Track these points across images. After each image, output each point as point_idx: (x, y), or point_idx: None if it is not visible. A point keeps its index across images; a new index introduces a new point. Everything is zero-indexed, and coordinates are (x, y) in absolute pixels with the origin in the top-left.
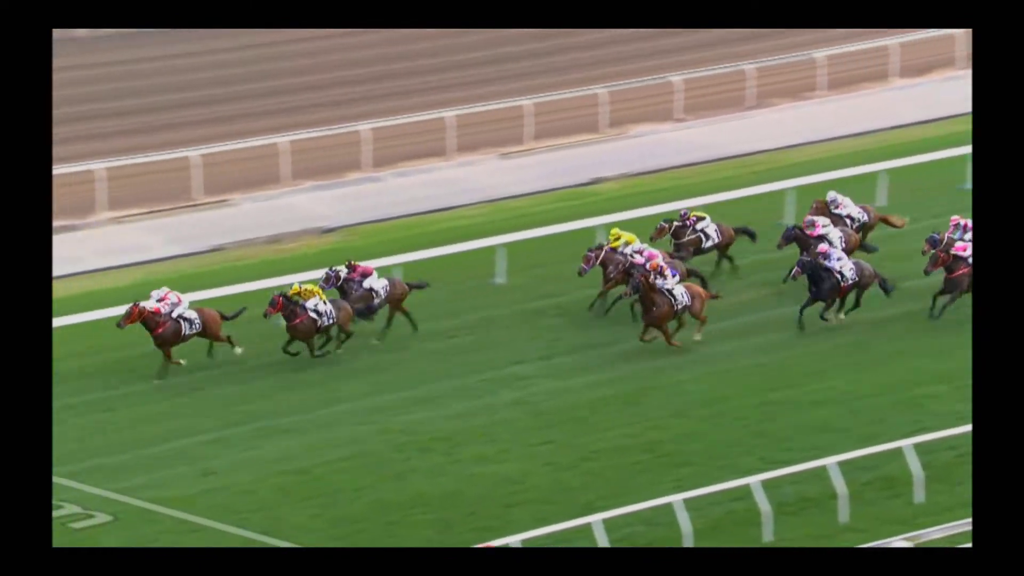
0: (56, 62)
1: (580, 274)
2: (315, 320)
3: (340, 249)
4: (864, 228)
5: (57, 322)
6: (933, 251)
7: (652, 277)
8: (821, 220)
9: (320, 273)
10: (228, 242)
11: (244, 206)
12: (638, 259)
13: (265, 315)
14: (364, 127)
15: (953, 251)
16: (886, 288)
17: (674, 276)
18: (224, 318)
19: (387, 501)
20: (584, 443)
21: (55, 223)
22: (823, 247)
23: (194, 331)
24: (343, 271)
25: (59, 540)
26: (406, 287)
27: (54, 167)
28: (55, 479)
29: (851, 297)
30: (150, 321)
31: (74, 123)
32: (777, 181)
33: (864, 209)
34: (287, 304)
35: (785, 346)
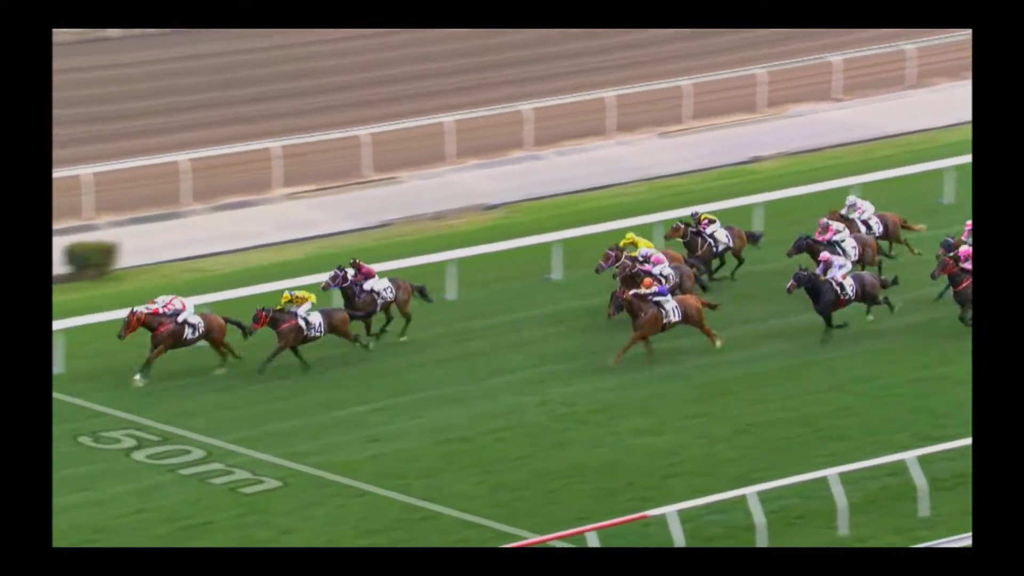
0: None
1: (597, 271)
2: (301, 328)
3: (502, 225)
4: (885, 236)
5: (236, 293)
6: (942, 257)
7: (636, 266)
8: (836, 225)
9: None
10: (395, 218)
11: (411, 183)
12: (646, 267)
13: (251, 331)
14: (526, 107)
15: (962, 263)
16: (886, 283)
17: (663, 294)
18: (226, 321)
19: (547, 470)
20: (739, 416)
21: (231, 199)
22: (824, 255)
23: (198, 335)
24: (351, 271)
25: (229, 503)
26: (410, 288)
27: (228, 146)
28: (227, 444)
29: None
30: (151, 322)
31: (240, 105)
32: (935, 160)
33: (881, 218)
34: (269, 315)
35: (935, 326)
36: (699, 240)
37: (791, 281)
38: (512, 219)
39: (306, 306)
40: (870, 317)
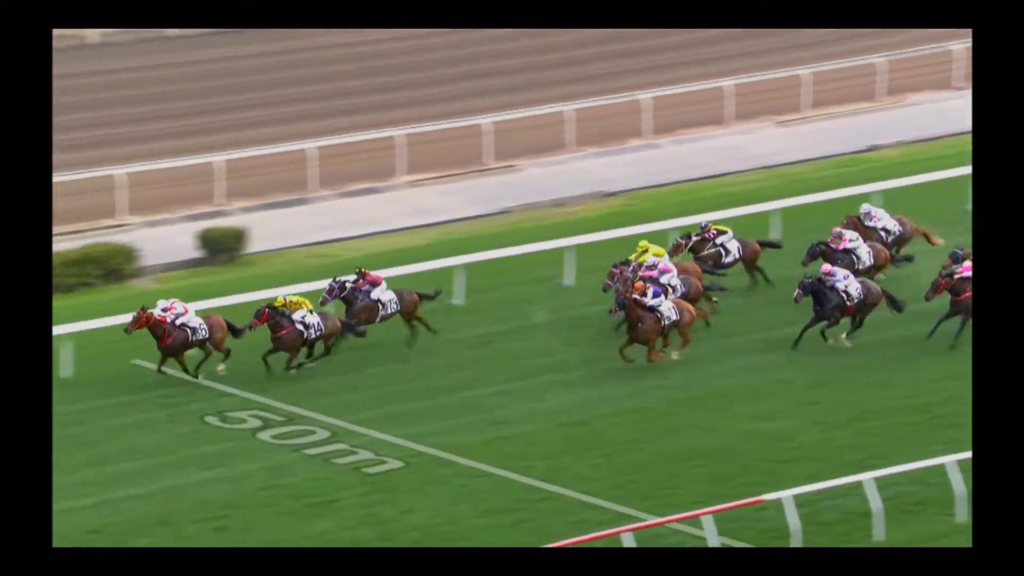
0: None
1: (604, 290)
2: (301, 332)
3: (621, 212)
4: (900, 241)
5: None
6: (936, 277)
7: (638, 274)
8: (849, 234)
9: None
10: (515, 205)
11: (531, 171)
12: (652, 272)
13: (250, 327)
14: (645, 96)
15: (958, 275)
16: (897, 307)
17: (657, 295)
18: (230, 327)
19: (663, 453)
20: (855, 403)
21: (357, 186)
22: (826, 267)
23: (200, 338)
24: (348, 281)
25: (354, 482)
26: (416, 297)
27: (355, 134)
28: (350, 425)
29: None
30: (157, 329)
31: (363, 95)
32: None
33: (900, 222)
34: (272, 315)
35: None
36: (705, 245)
37: (796, 290)
38: (631, 206)
39: (300, 312)
40: (843, 339)
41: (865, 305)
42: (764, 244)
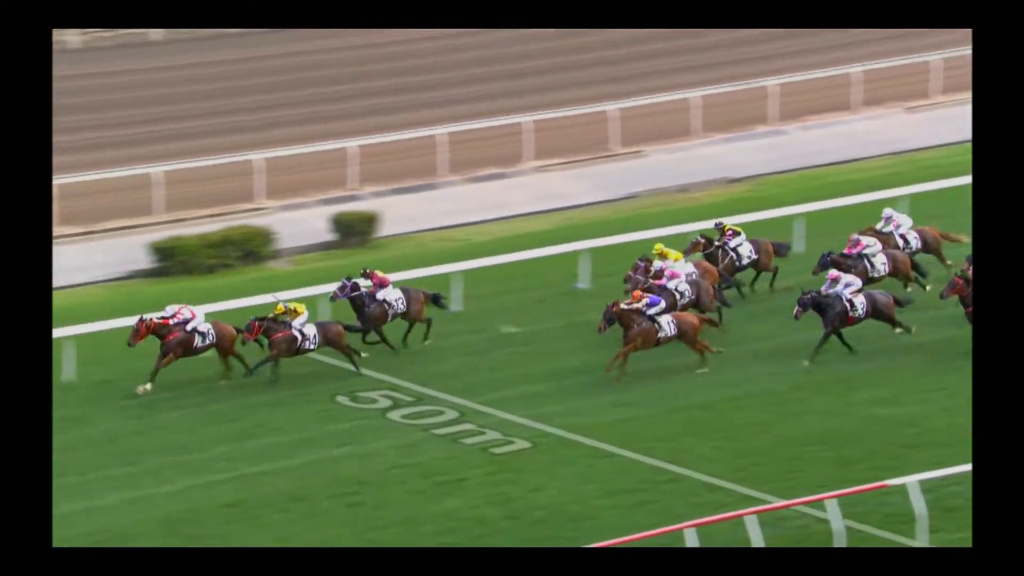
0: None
1: (626, 293)
2: (296, 339)
3: (746, 198)
4: (923, 250)
5: (487, 261)
6: (952, 277)
7: (647, 279)
8: (866, 240)
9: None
10: (641, 190)
11: (656, 156)
12: (660, 280)
13: (243, 341)
14: (772, 83)
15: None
16: (901, 303)
17: (655, 303)
18: (239, 331)
19: (786, 437)
20: None
21: (485, 171)
22: (833, 273)
23: (208, 343)
24: (363, 281)
25: (482, 461)
26: (422, 296)
27: (483, 120)
28: (478, 406)
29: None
30: (160, 331)
31: (492, 82)
32: None
33: (920, 232)
34: (264, 324)
35: None
36: (720, 253)
37: (796, 308)
38: (755, 192)
39: (301, 319)
40: (898, 331)
41: (877, 314)
42: (777, 246)
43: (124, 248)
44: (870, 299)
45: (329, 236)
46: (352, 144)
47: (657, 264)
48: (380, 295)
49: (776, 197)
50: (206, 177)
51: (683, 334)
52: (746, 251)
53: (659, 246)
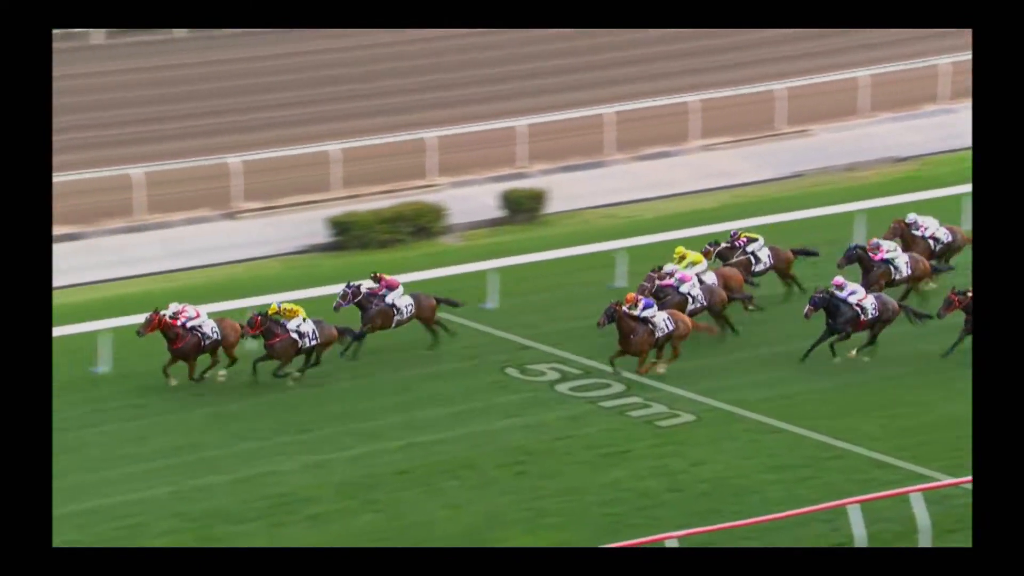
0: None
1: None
2: (295, 341)
3: (913, 177)
4: (949, 250)
5: (652, 238)
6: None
7: (655, 283)
8: (886, 244)
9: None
10: (808, 169)
11: (822, 136)
12: (670, 282)
13: (243, 335)
14: (943, 61)
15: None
16: (913, 316)
17: (649, 306)
18: (242, 327)
19: (953, 416)
20: None
21: (651, 149)
22: (838, 279)
23: (213, 340)
24: (363, 286)
25: (646, 434)
26: (433, 302)
27: (650, 100)
28: (644, 379)
29: (864, 335)
30: (169, 332)
31: (660, 62)
32: None
33: (950, 231)
34: (265, 323)
35: None
36: (733, 253)
37: (807, 306)
38: (923, 171)
39: (296, 320)
40: (853, 353)
41: (880, 321)
42: (798, 252)
43: (303, 222)
44: (880, 301)
45: (498, 212)
46: (522, 123)
47: (668, 267)
48: (389, 298)
49: (942, 177)
50: (379, 155)
51: (675, 328)
52: (764, 256)
53: (680, 249)
